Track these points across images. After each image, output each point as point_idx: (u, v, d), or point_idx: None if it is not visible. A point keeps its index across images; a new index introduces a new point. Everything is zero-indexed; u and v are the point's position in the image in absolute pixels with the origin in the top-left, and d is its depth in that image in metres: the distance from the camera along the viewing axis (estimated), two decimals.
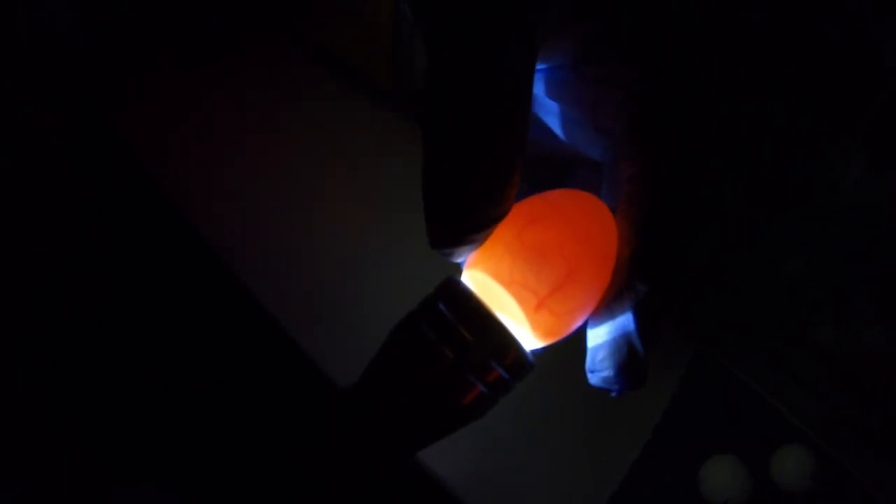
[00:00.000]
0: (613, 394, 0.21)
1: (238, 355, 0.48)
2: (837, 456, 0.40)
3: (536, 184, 0.22)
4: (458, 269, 0.20)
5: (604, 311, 0.20)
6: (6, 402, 0.44)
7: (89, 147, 0.53)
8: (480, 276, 0.19)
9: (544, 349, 0.21)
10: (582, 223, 0.20)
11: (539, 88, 0.22)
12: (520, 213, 0.19)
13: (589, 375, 0.21)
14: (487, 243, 0.19)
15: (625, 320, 0.20)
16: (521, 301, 0.19)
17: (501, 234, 0.19)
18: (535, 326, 0.19)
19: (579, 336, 0.21)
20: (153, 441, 0.45)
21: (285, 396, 0.45)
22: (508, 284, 0.19)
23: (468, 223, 0.18)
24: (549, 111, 0.23)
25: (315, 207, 0.47)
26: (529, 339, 0.20)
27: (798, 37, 0.32)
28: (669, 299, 0.45)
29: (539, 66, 0.21)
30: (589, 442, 0.41)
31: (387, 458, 0.19)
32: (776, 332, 0.44)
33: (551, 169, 0.25)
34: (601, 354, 0.20)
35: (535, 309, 0.19)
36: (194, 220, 0.45)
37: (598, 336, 0.20)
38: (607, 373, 0.20)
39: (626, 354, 0.20)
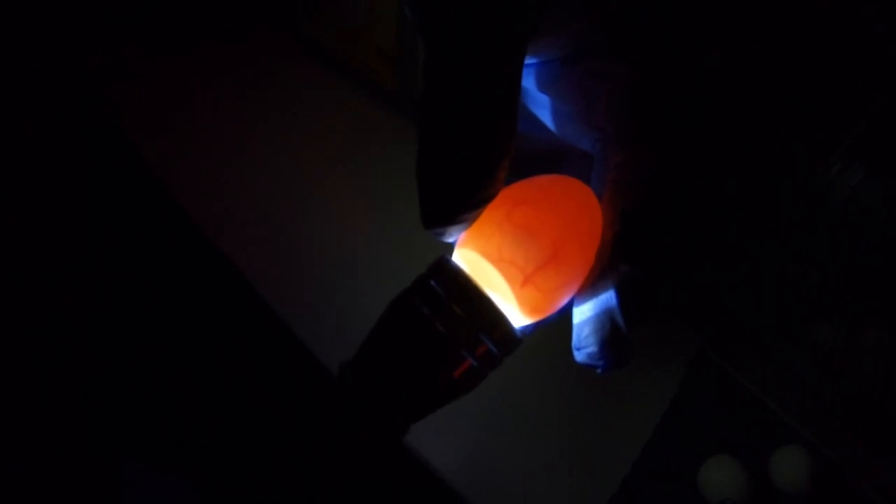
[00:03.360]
0: (599, 370, 0.21)
1: (237, 348, 0.49)
2: (836, 457, 0.41)
3: (528, 176, 0.22)
4: (451, 250, 0.21)
5: (588, 289, 0.21)
6: (6, 402, 0.44)
7: (90, 142, 0.54)
8: (471, 255, 0.20)
9: (534, 327, 0.22)
10: (568, 206, 0.21)
11: (530, 82, 0.23)
12: (509, 195, 0.20)
13: (575, 353, 0.21)
14: (477, 223, 0.20)
15: (608, 298, 0.20)
16: (509, 277, 0.20)
17: (491, 215, 0.20)
18: (522, 302, 0.20)
19: None
20: (153, 437, 0.45)
21: (283, 384, 0.45)
22: (497, 262, 0.20)
23: (459, 204, 0.19)
24: (540, 105, 0.24)
25: (319, 207, 0.47)
26: (517, 316, 0.20)
27: (797, 39, 0.33)
28: (671, 301, 0.46)
29: (530, 61, 0.22)
30: (590, 442, 0.41)
31: (381, 429, 0.20)
32: (777, 334, 0.44)
33: (543, 162, 0.26)
34: (586, 331, 0.21)
35: (522, 285, 0.20)
36: (196, 216, 0.45)
37: (583, 313, 0.21)
38: (591, 349, 0.21)
39: (609, 330, 0.20)
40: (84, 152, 0.54)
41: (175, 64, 0.52)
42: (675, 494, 0.40)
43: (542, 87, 0.23)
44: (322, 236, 0.46)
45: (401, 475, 0.42)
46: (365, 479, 0.42)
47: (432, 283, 0.20)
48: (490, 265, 0.20)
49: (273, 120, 0.51)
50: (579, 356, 0.21)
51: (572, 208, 0.21)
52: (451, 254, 0.21)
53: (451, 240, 0.20)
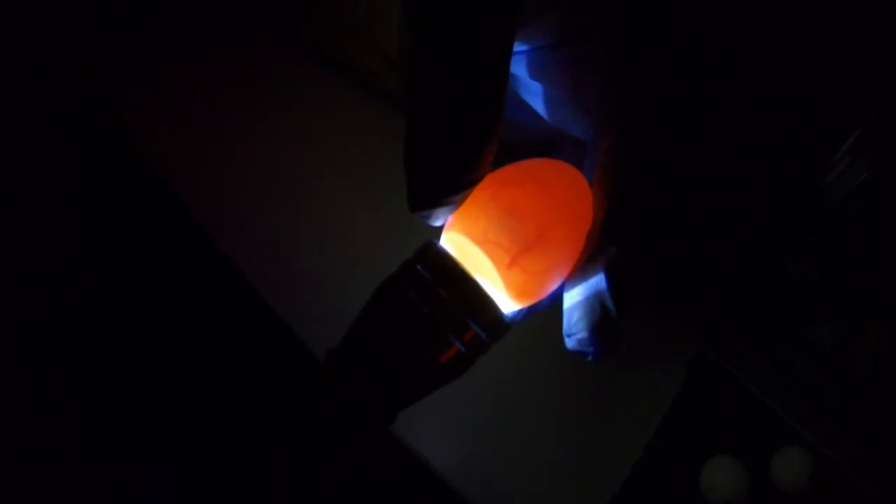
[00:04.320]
0: (589, 357, 0.21)
1: (237, 348, 0.49)
2: (836, 457, 0.40)
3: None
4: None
5: (577, 273, 0.21)
6: (6, 402, 0.44)
7: (90, 142, 0.54)
8: (457, 238, 0.20)
9: (526, 314, 0.22)
10: (555, 188, 0.20)
11: (521, 69, 0.23)
12: (497, 178, 0.20)
13: (566, 339, 0.21)
14: (464, 206, 0.20)
15: (597, 281, 0.20)
16: (495, 259, 0.19)
17: (477, 197, 0.20)
18: (509, 285, 0.19)
19: None
20: (153, 437, 0.45)
21: (283, 384, 0.45)
22: (482, 243, 0.19)
23: (443, 186, 0.19)
24: (532, 92, 0.24)
25: (319, 207, 0.47)
26: (505, 300, 0.20)
27: (797, 39, 0.33)
28: (671, 301, 0.46)
29: (521, 48, 0.22)
30: (591, 442, 0.41)
31: (369, 416, 0.19)
32: (777, 334, 0.44)
33: (536, 149, 0.26)
34: (575, 315, 0.20)
35: (508, 267, 0.19)
36: (196, 216, 0.45)
37: (573, 297, 0.21)
38: (581, 334, 0.20)
39: (599, 314, 0.20)
40: (84, 152, 0.54)
41: (175, 64, 0.52)
42: (677, 495, 0.39)
43: (534, 73, 0.23)
44: (322, 236, 0.46)
45: (401, 475, 0.42)
46: (365, 479, 0.42)
47: (418, 267, 0.20)
48: (476, 247, 0.19)
49: (273, 120, 0.51)
50: (570, 343, 0.21)
51: (561, 191, 0.20)
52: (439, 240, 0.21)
53: (438, 223, 0.20)
